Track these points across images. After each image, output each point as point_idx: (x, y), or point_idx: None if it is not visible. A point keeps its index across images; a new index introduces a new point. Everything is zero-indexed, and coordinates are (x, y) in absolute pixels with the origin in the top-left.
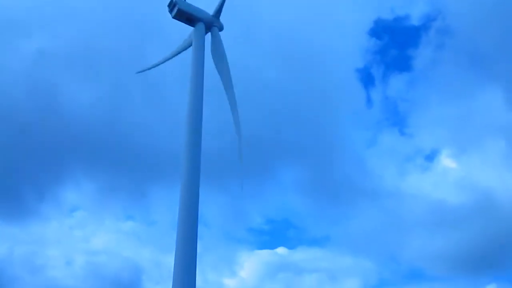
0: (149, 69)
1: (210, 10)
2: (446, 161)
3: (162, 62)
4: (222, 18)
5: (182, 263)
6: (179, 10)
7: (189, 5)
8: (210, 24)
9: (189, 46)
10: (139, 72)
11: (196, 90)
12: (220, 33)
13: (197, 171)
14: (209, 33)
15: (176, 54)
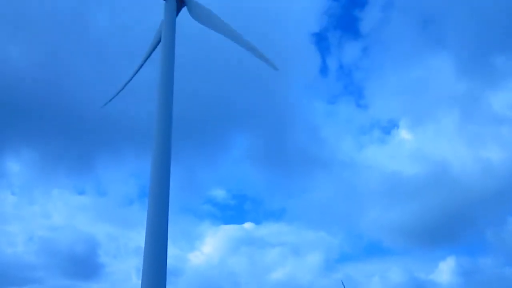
0: (114, 97)
1: None
2: (402, 133)
3: (127, 83)
4: None
5: (153, 239)
6: None
7: None
8: None
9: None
10: (105, 104)
11: (167, 66)
12: None
13: (168, 144)
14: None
15: (143, 62)
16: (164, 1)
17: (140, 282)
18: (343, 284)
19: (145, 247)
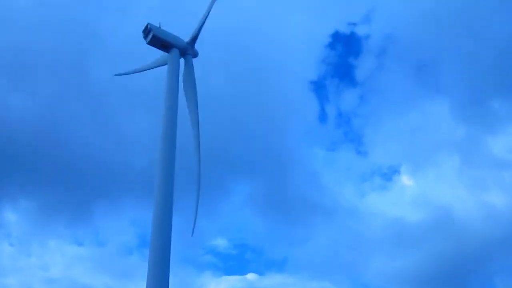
0: (127, 73)
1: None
2: (403, 179)
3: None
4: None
5: None
6: (154, 37)
7: (164, 31)
8: (185, 50)
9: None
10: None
11: (170, 116)
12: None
13: (170, 195)
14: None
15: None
16: (167, 53)
17: None
18: None
19: None
